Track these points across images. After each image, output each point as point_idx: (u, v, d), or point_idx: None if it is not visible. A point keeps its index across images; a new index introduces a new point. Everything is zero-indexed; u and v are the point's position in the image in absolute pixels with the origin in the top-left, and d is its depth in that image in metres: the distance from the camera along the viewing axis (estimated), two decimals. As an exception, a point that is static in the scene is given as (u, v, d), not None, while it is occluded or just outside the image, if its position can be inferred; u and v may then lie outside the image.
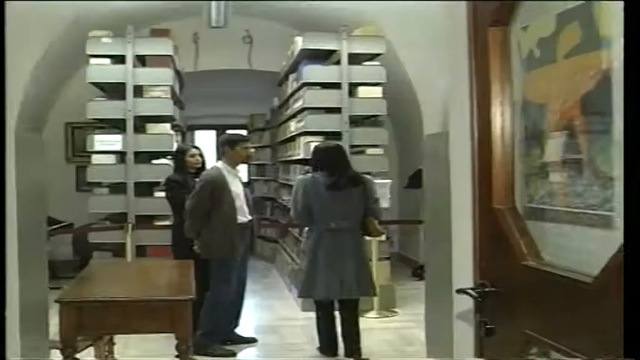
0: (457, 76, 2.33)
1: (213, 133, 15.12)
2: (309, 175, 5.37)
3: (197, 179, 5.88)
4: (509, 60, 1.97)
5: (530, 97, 1.91)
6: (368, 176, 5.49)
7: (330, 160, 5.20)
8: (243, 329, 5.99)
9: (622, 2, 1.47)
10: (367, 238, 5.56)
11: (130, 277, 4.65)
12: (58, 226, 8.24)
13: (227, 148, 5.64)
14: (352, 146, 7.03)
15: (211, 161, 6.32)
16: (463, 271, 2.31)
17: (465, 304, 2.29)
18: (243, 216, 5.62)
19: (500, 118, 2.02)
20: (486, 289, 2.08)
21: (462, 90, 2.23)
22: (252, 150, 6.39)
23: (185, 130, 10.15)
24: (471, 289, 2.11)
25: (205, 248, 5.46)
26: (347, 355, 5.27)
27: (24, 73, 6.89)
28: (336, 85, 7.09)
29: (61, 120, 9.47)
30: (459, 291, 2.12)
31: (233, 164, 5.70)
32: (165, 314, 3.63)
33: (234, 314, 5.82)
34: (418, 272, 8.65)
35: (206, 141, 14.28)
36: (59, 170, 9.32)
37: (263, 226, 10.25)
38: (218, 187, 5.45)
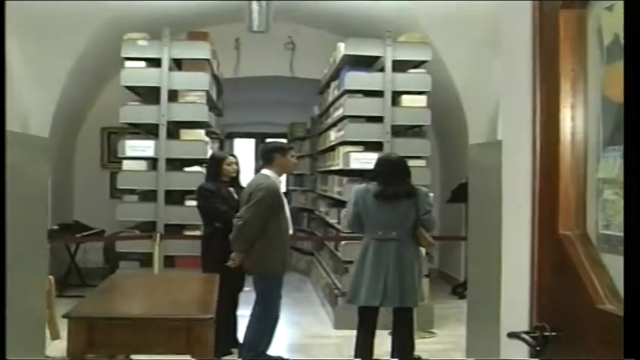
0: (515, 75, 1.95)
1: (252, 142, 14.92)
2: (364, 184, 5.33)
3: (231, 188, 5.65)
4: (586, 49, 1.59)
5: (612, 94, 1.51)
6: (424, 188, 5.35)
7: (385, 170, 5.17)
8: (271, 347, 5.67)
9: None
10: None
11: (151, 290, 4.37)
12: (88, 233, 8.07)
13: (278, 155, 5.35)
14: (394, 157, 6.67)
15: (248, 170, 6.05)
16: (516, 308, 1.93)
17: (515, 344, 1.91)
18: (290, 227, 5.39)
19: (571, 122, 1.62)
20: (545, 334, 1.70)
21: (521, 90, 1.84)
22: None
23: (223, 138, 9.92)
24: (526, 332, 1.72)
25: (258, 262, 5.15)
26: None
27: (61, 73, 6.80)
28: (378, 94, 6.76)
29: (97, 125, 9.33)
30: (512, 335, 1.73)
31: (280, 172, 5.45)
32: (182, 333, 3.37)
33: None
34: (458, 290, 8.33)
35: (244, 149, 14.08)
36: (94, 176, 9.20)
37: (299, 239, 9.94)
38: (277, 197, 5.20)
